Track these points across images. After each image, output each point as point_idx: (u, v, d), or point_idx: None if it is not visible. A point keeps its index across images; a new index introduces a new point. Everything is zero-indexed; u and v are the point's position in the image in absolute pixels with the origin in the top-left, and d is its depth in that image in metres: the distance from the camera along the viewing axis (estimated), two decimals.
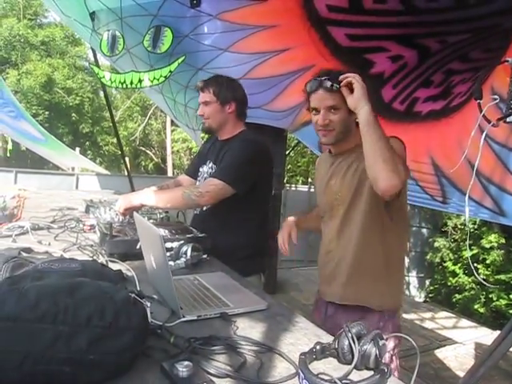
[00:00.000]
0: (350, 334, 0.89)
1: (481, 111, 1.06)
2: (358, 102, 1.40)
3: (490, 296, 6.66)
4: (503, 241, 6.64)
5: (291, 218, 1.93)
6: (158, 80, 3.54)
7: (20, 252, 1.30)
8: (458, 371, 3.58)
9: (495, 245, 6.57)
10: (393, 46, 3.38)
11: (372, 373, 0.85)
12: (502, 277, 6.29)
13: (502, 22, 3.02)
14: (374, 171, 1.36)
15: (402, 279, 1.78)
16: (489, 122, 1.07)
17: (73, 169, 10.05)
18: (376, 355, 0.87)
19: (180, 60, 3.42)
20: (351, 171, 1.57)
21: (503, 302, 6.55)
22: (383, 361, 0.88)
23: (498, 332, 4.55)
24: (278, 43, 3.44)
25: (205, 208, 2.08)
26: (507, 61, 1.00)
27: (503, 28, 3.00)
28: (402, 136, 1.58)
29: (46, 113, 16.90)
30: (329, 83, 1.48)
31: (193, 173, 2.30)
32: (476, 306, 6.71)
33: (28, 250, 1.39)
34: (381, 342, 0.88)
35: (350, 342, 0.89)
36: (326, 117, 1.53)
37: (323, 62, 3.50)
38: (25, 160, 16.00)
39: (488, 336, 4.57)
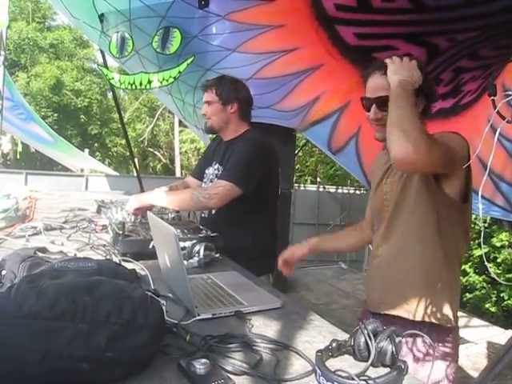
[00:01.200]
0: (366, 331, 0.89)
1: (495, 107, 1.05)
2: (389, 78, 1.28)
3: (502, 295, 6.63)
4: None
5: (312, 239, 1.78)
6: (168, 81, 3.56)
7: (35, 252, 1.32)
8: (470, 370, 3.56)
9: (506, 243, 6.53)
10: (401, 44, 3.37)
11: (388, 369, 0.85)
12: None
13: (511, 19, 3.00)
14: (389, 141, 1.23)
15: (454, 293, 1.45)
16: (503, 118, 1.06)
17: (82, 170, 10.12)
18: (392, 352, 0.87)
19: (189, 61, 3.44)
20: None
21: None
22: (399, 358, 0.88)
23: (510, 331, 4.51)
24: (286, 43, 3.44)
25: (213, 211, 2.09)
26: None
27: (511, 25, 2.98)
28: None
29: (55, 115, 17.06)
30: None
31: (199, 175, 2.30)
32: (487, 305, 6.68)
33: (43, 250, 1.40)
34: (397, 339, 0.88)
35: (366, 339, 0.89)
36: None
37: (332, 61, 3.50)
38: (34, 162, 16.16)
39: (500, 335, 4.53)
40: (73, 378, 0.78)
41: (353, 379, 0.78)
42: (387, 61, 1.32)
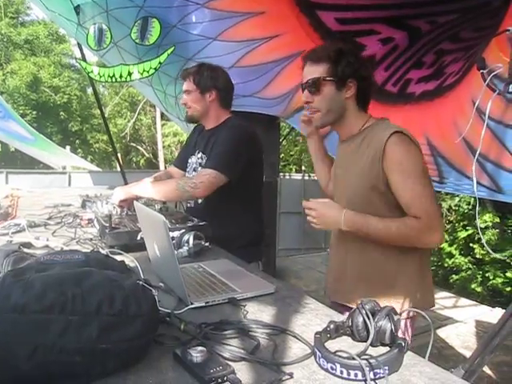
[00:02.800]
0: (364, 311, 0.88)
1: (484, 81, 1.04)
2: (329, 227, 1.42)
3: (487, 275, 6.73)
4: (498, 220, 6.69)
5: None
6: (148, 72, 3.50)
7: (20, 247, 1.28)
8: (460, 349, 3.61)
9: (490, 224, 6.62)
10: (383, 28, 3.36)
11: (388, 348, 0.84)
12: (498, 255, 6.34)
13: (491, 1, 3.01)
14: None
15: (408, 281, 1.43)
16: (493, 90, 1.05)
17: (64, 167, 9.96)
18: (391, 330, 0.86)
19: (169, 51, 3.39)
20: (352, 160, 1.46)
21: (499, 280, 6.62)
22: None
23: (498, 309, 4.60)
24: (267, 30, 3.40)
25: (199, 200, 2.06)
26: (508, 30, 0.98)
27: (492, 7, 2.99)
28: (396, 117, 1.56)
29: (34, 112, 16.72)
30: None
31: (181, 164, 2.28)
32: (473, 286, 6.78)
33: (28, 245, 1.37)
34: (395, 317, 0.87)
35: (364, 319, 0.87)
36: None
37: (313, 46, 3.47)
38: (15, 161, 15.84)
39: (488, 313, 4.61)
40: (65, 371, 0.75)
41: (354, 359, 0.77)
42: (309, 220, 1.42)
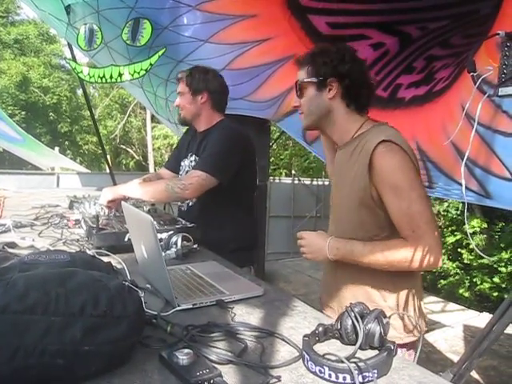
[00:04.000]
0: (352, 314, 0.87)
1: (475, 83, 1.04)
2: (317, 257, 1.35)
3: (474, 280, 6.78)
4: (485, 225, 6.76)
5: None
6: (139, 73, 3.48)
7: (3, 246, 1.25)
8: (448, 353, 3.62)
9: (478, 230, 6.68)
10: (374, 33, 3.38)
11: (377, 352, 0.84)
12: (485, 261, 6.40)
13: (479, 8, 3.04)
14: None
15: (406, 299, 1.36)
16: (484, 93, 1.06)
17: (52, 169, 9.86)
18: (380, 333, 0.85)
19: (160, 52, 3.37)
20: (346, 169, 1.38)
21: (487, 285, 6.68)
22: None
23: (485, 314, 4.63)
24: (258, 33, 3.40)
25: (190, 204, 2.05)
26: (498, 34, 0.98)
27: (481, 14, 3.03)
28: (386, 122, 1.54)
29: (23, 113, 16.57)
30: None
31: (173, 166, 2.26)
32: (461, 291, 6.83)
33: (12, 245, 1.34)
34: (384, 320, 0.86)
35: (353, 322, 0.87)
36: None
37: (305, 50, 3.48)
38: (2, 162, 15.65)
39: (475, 318, 4.64)
40: (47, 374, 0.73)
41: (342, 362, 0.76)
42: (300, 250, 1.38)
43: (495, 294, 6.57)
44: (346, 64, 1.35)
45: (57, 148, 11.81)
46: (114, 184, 5.17)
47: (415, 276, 1.38)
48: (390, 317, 0.89)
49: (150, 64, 3.44)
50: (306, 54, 1.42)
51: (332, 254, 1.29)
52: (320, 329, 0.90)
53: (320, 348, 0.88)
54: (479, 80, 1.02)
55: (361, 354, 0.85)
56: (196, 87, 2.02)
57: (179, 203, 2.16)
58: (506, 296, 5.00)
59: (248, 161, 2.03)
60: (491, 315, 1.85)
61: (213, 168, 1.85)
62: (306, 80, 1.37)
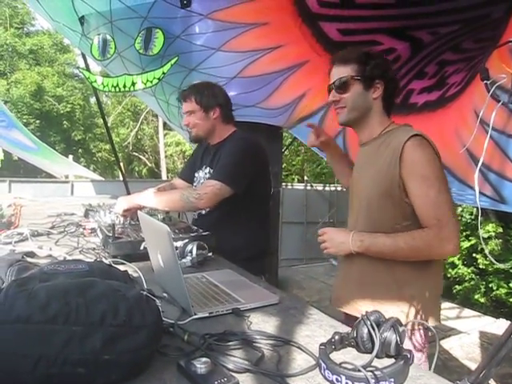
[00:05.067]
0: (368, 322, 0.87)
1: (488, 91, 1.04)
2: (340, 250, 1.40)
3: (490, 285, 6.69)
4: (501, 230, 6.67)
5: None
6: (152, 82, 3.51)
7: (23, 256, 1.27)
8: (464, 360, 3.58)
9: (493, 234, 6.59)
10: (385, 39, 3.38)
11: (393, 360, 0.84)
12: (501, 265, 6.30)
13: (491, 12, 3.03)
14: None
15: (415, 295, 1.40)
16: (498, 101, 1.06)
17: (66, 176, 9.97)
18: (397, 342, 0.85)
19: (173, 61, 3.40)
20: (370, 163, 1.45)
21: (503, 290, 6.58)
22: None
23: (502, 320, 4.57)
24: (270, 40, 3.42)
25: (203, 212, 2.06)
26: (510, 41, 0.98)
27: (492, 18, 3.01)
28: None
29: (37, 121, 16.83)
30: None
31: (187, 176, 2.28)
32: (476, 297, 6.74)
33: (31, 254, 1.36)
34: (400, 329, 0.86)
35: (369, 330, 0.87)
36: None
37: (316, 57, 3.49)
38: (17, 170, 15.88)
39: (492, 324, 4.58)
40: (68, 383, 0.75)
41: (359, 371, 0.76)
42: (322, 246, 1.42)
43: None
44: (391, 70, 1.49)
45: (71, 156, 11.96)
46: (128, 191, 5.22)
47: (437, 265, 1.43)
48: (406, 325, 0.89)
49: (163, 73, 3.47)
50: (350, 52, 1.48)
51: (356, 247, 1.34)
52: (336, 337, 0.90)
53: (336, 356, 0.88)
54: (493, 87, 1.02)
55: (377, 363, 0.85)
56: (207, 104, 2.02)
57: (193, 212, 2.17)
58: None
59: (261, 171, 2.04)
60: (508, 321, 1.83)
61: (227, 178, 1.86)
62: (355, 77, 1.43)
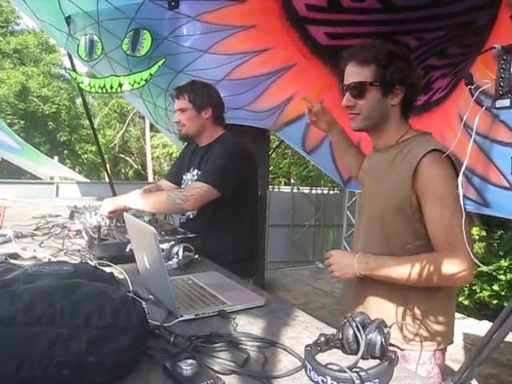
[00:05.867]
0: (354, 324, 0.88)
1: (472, 96, 1.06)
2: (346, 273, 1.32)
3: (474, 288, 6.77)
4: (484, 233, 6.76)
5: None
6: (139, 83, 3.50)
7: (6, 258, 1.26)
8: (448, 361, 3.59)
9: (476, 237, 6.68)
10: None
11: (378, 361, 0.84)
12: (485, 268, 6.39)
13: (476, 19, 3.08)
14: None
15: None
16: (481, 105, 1.08)
17: (52, 178, 9.85)
18: (382, 343, 0.86)
19: (160, 63, 3.39)
20: (384, 175, 1.35)
21: (486, 293, 6.66)
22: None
23: (485, 322, 4.61)
24: (257, 43, 3.43)
25: (191, 216, 2.05)
26: (495, 47, 1.00)
27: (477, 24, 3.06)
28: None
29: (22, 122, 16.59)
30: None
31: (174, 178, 2.27)
32: (460, 299, 6.81)
33: (15, 256, 1.35)
34: (385, 330, 0.87)
35: (354, 332, 0.87)
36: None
37: (304, 61, 3.51)
38: (1, 171, 15.66)
39: (475, 326, 4.63)
40: None
41: (345, 372, 0.77)
42: (329, 269, 1.35)
43: (495, 301, 6.56)
44: (413, 73, 1.33)
45: (56, 157, 11.82)
46: (114, 193, 5.18)
47: (451, 291, 1.39)
48: (390, 326, 0.90)
49: (150, 74, 3.46)
50: (371, 50, 1.31)
51: (361, 269, 1.26)
52: (322, 339, 0.91)
53: (322, 358, 0.89)
54: (477, 92, 1.04)
55: (362, 364, 0.86)
56: (200, 103, 2.01)
57: (180, 215, 2.16)
58: (505, 304, 4.99)
59: (249, 174, 2.05)
60: (491, 323, 1.85)
61: (214, 180, 1.86)
62: (374, 84, 1.29)
